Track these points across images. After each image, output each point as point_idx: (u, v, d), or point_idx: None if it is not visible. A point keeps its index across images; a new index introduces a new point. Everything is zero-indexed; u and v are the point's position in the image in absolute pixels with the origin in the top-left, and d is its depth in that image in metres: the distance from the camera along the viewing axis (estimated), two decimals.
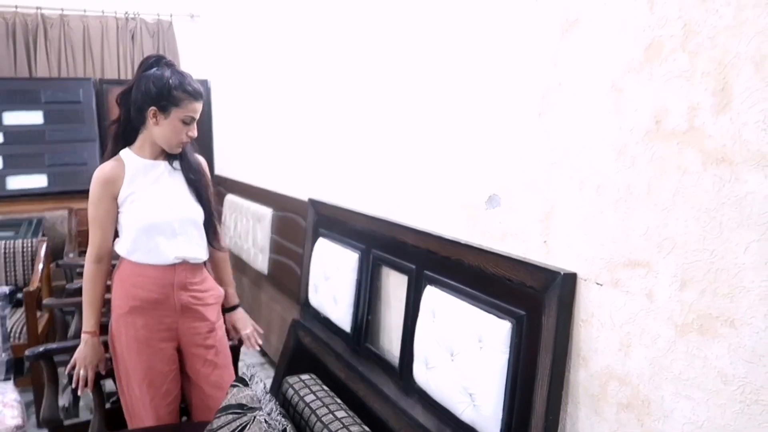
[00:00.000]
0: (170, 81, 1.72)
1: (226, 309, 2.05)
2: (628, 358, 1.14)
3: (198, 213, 1.84)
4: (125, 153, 1.79)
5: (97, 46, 4.82)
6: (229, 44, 4.14)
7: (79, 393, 1.81)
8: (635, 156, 1.11)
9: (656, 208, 1.08)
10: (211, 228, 1.88)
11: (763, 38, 0.89)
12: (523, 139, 1.39)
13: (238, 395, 1.31)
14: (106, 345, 1.86)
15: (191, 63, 5.08)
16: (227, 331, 2.02)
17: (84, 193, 1.88)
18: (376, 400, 1.79)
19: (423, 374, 1.62)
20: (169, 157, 1.83)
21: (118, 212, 1.77)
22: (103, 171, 1.76)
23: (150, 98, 1.72)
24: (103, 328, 1.87)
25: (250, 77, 3.73)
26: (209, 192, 1.88)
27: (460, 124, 1.62)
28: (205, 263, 1.93)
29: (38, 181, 4.26)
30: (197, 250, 1.84)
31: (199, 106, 1.76)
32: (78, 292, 2.78)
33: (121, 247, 1.79)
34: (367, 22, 2.13)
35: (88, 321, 1.78)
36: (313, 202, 2.50)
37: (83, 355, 1.79)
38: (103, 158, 1.83)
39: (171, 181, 1.81)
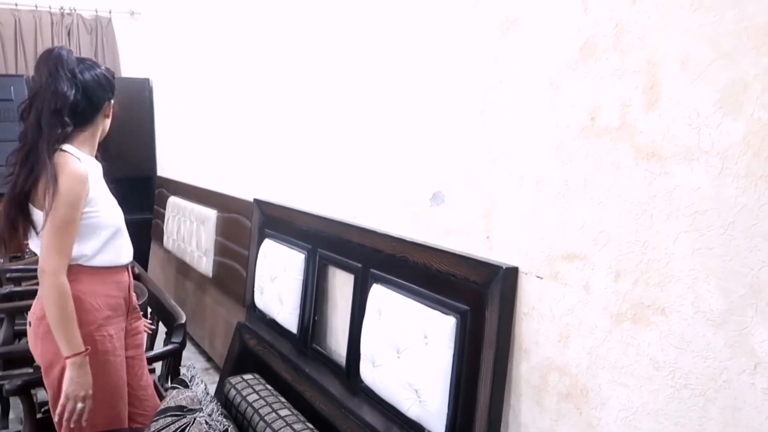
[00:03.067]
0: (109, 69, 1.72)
1: None
2: (567, 348, 1.17)
3: None
4: (72, 149, 1.61)
5: (30, 42, 4.61)
6: (172, 42, 4.04)
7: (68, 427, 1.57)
8: (572, 152, 1.15)
9: (592, 203, 1.11)
10: None
11: (687, 38, 0.94)
12: (465, 137, 1.41)
13: (177, 397, 1.27)
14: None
15: (132, 61, 4.93)
16: None
17: None
18: (323, 400, 1.78)
19: (370, 373, 1.62)
20: (98, 155, 1.75)
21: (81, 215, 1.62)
22: (82, 167, 1.58)
23: (108, 91, 1.69)
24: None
25: (193, 76, 3.65)
26: None
27: (404, 123, 1.63)
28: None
29: None
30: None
31: None
32: (5, 298, 2.65)
33: (82, 253, 1.62)
34: (310, 20, 2.11)
35: (75, 339, 1.54)
36: (258, 203, 2.47)
37: (79, 382, 1.53)
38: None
39: (105, 179, 1.74)
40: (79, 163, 1.59)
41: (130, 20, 4.97)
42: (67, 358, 1.52)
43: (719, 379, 0.91)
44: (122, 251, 1.72)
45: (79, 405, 1.53)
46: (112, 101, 1.72)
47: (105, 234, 1.65)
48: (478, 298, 1.32)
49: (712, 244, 0.92)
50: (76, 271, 1.59)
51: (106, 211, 1.66)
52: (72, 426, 1.54)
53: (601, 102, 1.08)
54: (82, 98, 1.61)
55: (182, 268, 3.73)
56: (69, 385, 1.52)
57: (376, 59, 1.75)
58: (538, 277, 1.23)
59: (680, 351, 0.97)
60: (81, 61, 1.66)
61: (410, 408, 1.45)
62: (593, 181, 1.11)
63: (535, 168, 1.23)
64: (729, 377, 0.90)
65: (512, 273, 1.27)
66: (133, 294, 1.81)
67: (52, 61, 1.59)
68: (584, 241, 1.13)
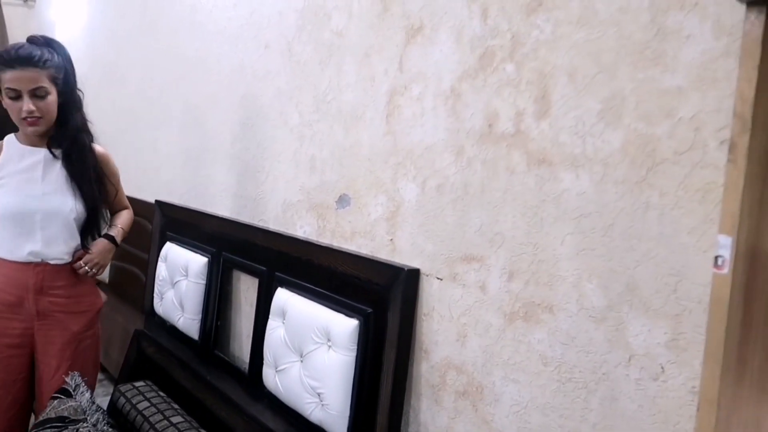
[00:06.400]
0: None
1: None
2: (465, 347, 1.21)
3: (69, 208, 1.66)
4: (9, 137, 1.70)
5: None
6: (68, 33, 3.80)
7: None
8: (471, 157, 1.19)
9: (489, 206, 1.15)
10: (90, 228, 1.72)
11: (575, 52, 1.00)
12: (371, 141, 1.42)
13: (58, 407, 1.19)
14: None
15: None
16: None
17: None
18: (223, 408, 1.72)
19: (272, 378, 1.59)
20: (52, 143, 1.67)
21: None
22: None
23: None
24: None
25: (90, 70, 3.44)
26: (95, 187, 1.71)
27: (311, 125, 1.62)
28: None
29: None
30: (60, 249, 1.67)
31: (19, 75, 1.56)
32: None
33: None
34: (207, 13, 2.06)
35: None
36: (159, 204, 2.36)
37: None
38: None
39: (48, 170, 1.65)
40: None
41: (23, 8, 4.62)
42: None
43: (599, 372, 0.97)
44: (11, 245, 1.62)
45: None
46: None
47: None
48: (380, 300, 1.34)
49: (594, 245, 0.98)
50: None
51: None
52: None
53: (498, 110, 1.13)
54: None
55: None
56: None
57: (286, 60, 1.73)
58: (438, 278, 1.26)
59: (566, 347, 1.02)
60: None
61: (312, 412, 1.43)
62: (490, 186, 1.15)
63: (437, 172, 1.26)
64: (607, 370, 0.96)
65: (414, 275, 1.30)
66: (52, 301, 1.67)
67: None
68: (481, 243, 1.17)
